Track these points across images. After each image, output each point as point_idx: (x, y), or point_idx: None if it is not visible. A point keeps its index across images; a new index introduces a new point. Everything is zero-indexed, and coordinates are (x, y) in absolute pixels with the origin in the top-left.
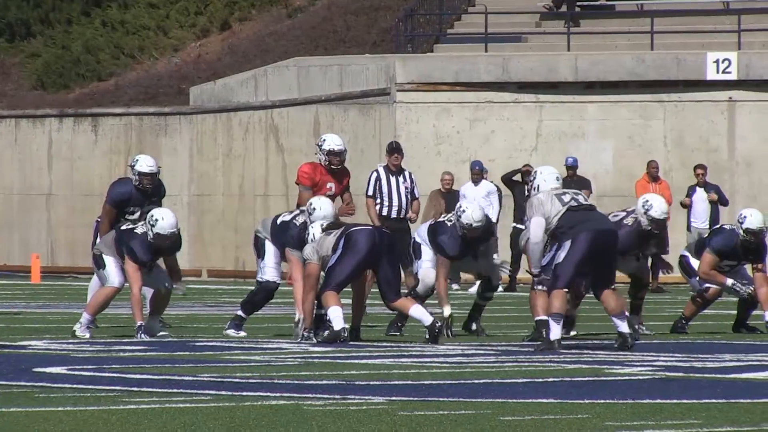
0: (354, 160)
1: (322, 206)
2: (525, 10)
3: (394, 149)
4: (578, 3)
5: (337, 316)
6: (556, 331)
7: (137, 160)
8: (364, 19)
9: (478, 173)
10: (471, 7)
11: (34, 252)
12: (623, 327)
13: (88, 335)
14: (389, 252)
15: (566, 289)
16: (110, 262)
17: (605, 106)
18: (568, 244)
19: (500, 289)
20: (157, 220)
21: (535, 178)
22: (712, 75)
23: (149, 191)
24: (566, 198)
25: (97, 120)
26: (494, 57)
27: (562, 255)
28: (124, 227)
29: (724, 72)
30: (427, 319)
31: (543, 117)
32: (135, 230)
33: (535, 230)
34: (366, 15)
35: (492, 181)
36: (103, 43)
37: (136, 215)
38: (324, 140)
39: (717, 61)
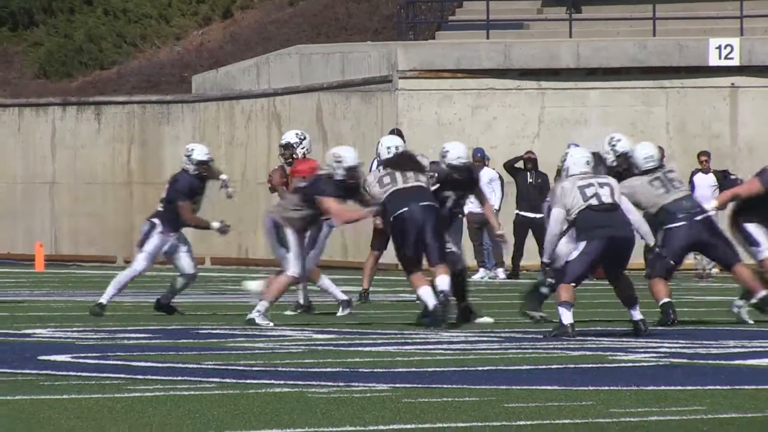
0: (356, 148)
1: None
2: None
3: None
4: None
5: (427, 294)
6: (567, 316)
7: (193, 150)
8: (366, 6)
9: (480, 160)
10: None
11: (38, 240)
12: (636, 315)
13: (267, 323)
14: (426, 224)
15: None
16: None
17: (607, 92)
18: (583, 245)
19: (502, 276)
20: (341, 155)
21: (566, 159)
22: (714, 61)
23: (206, 179)
24: (589, 192)
25: (99, 108)
26: (496, 44)
27: (575, 253)
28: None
29: (726, 58)
30: (431, 303)
31: (545, 104)
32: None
33: (553, 223)
34: (367, 2)
35: (494, 168)
36: (105, 31)
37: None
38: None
39: (719, 47)
